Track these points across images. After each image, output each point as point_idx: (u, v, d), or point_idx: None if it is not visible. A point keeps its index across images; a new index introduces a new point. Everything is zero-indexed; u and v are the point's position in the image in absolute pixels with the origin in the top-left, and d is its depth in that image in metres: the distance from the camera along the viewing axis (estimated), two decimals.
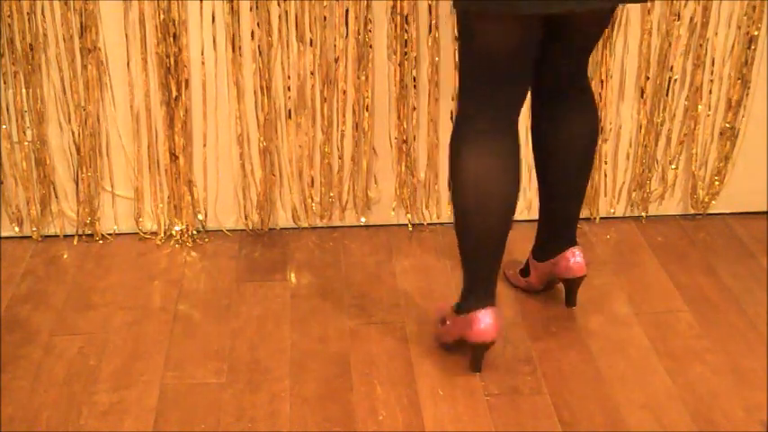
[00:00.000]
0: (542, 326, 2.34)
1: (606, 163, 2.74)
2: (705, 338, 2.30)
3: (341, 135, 2.65)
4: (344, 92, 2.59)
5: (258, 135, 2.62)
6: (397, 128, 2.64)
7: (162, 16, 2.47)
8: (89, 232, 2.70)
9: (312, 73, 2.56)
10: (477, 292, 2.10)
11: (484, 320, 2.07)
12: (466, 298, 2.13)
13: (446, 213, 2.77)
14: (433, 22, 2.51)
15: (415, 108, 2.63)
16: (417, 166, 2.70)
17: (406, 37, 2.53)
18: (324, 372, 2.18)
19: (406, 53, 2.55)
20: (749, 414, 2.06)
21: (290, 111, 2.60)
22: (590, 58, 2.25)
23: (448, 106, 2.63)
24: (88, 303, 2.42)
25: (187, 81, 2.55)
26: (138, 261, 2.61)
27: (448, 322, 2.18)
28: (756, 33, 2.61)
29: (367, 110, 2.61)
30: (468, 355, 2.17)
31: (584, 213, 2.79)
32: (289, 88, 2.57)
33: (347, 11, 2.49)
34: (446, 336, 2.20)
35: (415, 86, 2.60)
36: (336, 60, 2.55)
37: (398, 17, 2.51)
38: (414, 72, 2.58)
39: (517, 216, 2.77)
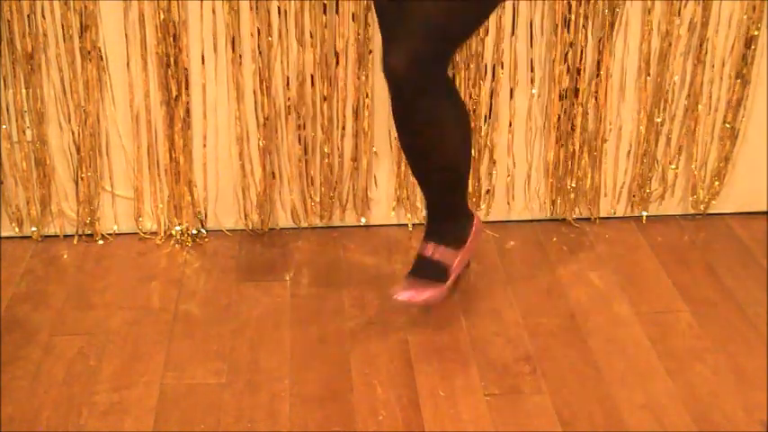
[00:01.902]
0: (542, 325, 2.34)
1: (606, 163, 2.74)
2: (705, 338, 2.30)
3: (341, 135, 2.65)
4: (344, 92, 2.59)
5: (258, 135, 2.62)
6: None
7: (162, 16, 2.47)
8: (89, 232, 2.70)
9: (312, 72, 2.56)
10: (465, 203, 2.35)
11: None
12: (463, 215, 2.34)
13: None
14: None
15: None
16: None
17: None
18: (324, 372, 2.18)
19: None
20: (749, 414, 2.06)
21: (289, 111, 2.60)
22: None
23: None
24: (88, 303, 2.42)
25: (187, 81, 2.55)
26: (138, 261, 2.61)
27: (459, 257, 2.30)
28: (756, 33, 2.61)
29: (367, 110, 2.61)
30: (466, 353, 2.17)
31: (584, 213, 2.79)
32: (289, 88, 2.57)
33: (347, 10, 2.50)
34: (462, 263, 2.33)
35: None
36: (336, 60, 2.55)
37: None
38: None
39: (516, 216, 2.78)
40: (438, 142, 2.18)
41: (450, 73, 2.25)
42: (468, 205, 2.38)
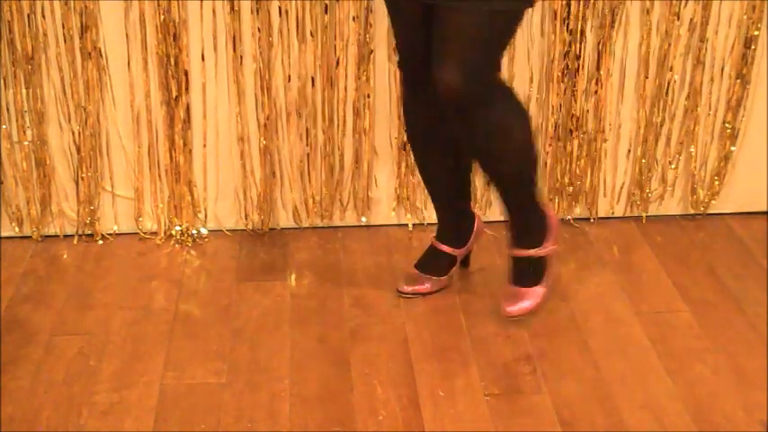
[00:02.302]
0: (542, 325, 2.34)
1: (605, 163, 2.74)
2: (705, 338, 2.30)
3: (341, 135, 2.65)
4: (345, 92, 2.59)
5: (258, 135, 2.62)
6: (397, 128, 2.64)
7: (162, 16, 2.47)
8: (89, 232, 2.70)
9: (312, 72, 2.56)
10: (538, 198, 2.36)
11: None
12: (538, 210, 2.35)
13: None
14: None
15: None
16: None
17: None
18: (324, 372, 2.18)
19: None
20: (749, 414, 2.06)
21: (290, 111, 2.60)
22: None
23: None
24: (88, 303, 2.42)
25: (187, 81, 2.55)
26: (138, 261, 2.61)
27: (546, 251, 2.36)
28: (756, 33, 2.61)
29: (368, 110, 2.61)
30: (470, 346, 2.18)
31: (584, 213, 2.79)
32: (289, 88, 2.57)
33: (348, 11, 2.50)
34: (551, 254, 2.39)
35: None
36: (337, 60, 2.55)
37: None
38: None
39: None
40: (507, 146, 2.21)
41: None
42: (540, 201, 2.38)
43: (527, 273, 2.35)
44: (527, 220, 2.34)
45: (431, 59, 2.12)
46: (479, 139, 2.19)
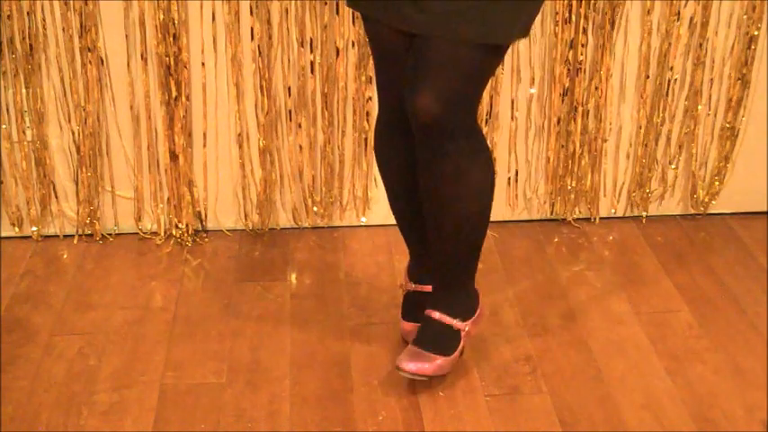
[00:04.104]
0: (542, 326, 2.34)
1: (606, 163, 2.74)
2: (705, 338, 2.30)
3: (341, 135, 2.65)
4: (345, 92, 2.59)
5: (258, 135, 2.62)
6: None
7: (162, 16, 2.47)
8: (89, 232, 2.70)
9: (312, 72, 2.56)
10: (475, 270, 2.19)
11: None
12: (472, 283, 2.18)
13: None
14: None
15: None
16: None
17: None
18: (324, 372, 2.18)
19: None
20: (749, 414, 2.06)
21: (290, 111, 2.60)
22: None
23: None
24: (88, 303, 2.42)
25: (187, 81, 2.55)
26: (138, 261, 2.61)
27: (468, 327, 2.15)
28: (756, 33, 2.61)
29: (367, 110, 2.61)
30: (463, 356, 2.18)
31: (584, 213, 2.79)
32: (289, 88, 2.58)
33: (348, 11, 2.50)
34: (470, 335, 2.18)
35: None
36: (337, 60, 2.55)
37: None
38: None
39: (516, 216, 2.78)
40: (463, 192, 1.99)
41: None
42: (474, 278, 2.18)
43: (439, 339, 2.10)
44: (461, 285, 2.14)
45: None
46: (438, 177, 1.97)
